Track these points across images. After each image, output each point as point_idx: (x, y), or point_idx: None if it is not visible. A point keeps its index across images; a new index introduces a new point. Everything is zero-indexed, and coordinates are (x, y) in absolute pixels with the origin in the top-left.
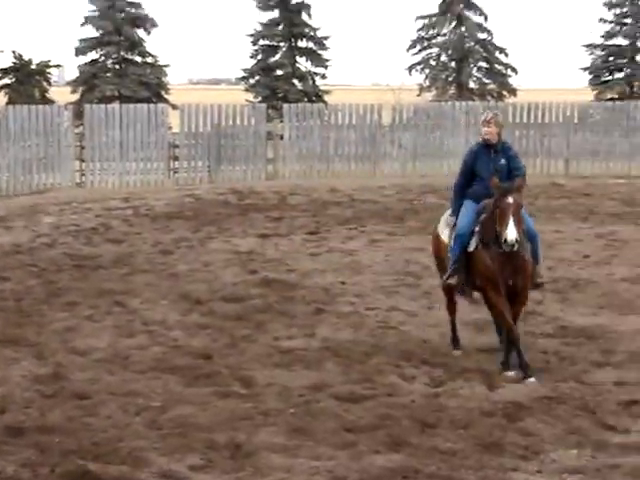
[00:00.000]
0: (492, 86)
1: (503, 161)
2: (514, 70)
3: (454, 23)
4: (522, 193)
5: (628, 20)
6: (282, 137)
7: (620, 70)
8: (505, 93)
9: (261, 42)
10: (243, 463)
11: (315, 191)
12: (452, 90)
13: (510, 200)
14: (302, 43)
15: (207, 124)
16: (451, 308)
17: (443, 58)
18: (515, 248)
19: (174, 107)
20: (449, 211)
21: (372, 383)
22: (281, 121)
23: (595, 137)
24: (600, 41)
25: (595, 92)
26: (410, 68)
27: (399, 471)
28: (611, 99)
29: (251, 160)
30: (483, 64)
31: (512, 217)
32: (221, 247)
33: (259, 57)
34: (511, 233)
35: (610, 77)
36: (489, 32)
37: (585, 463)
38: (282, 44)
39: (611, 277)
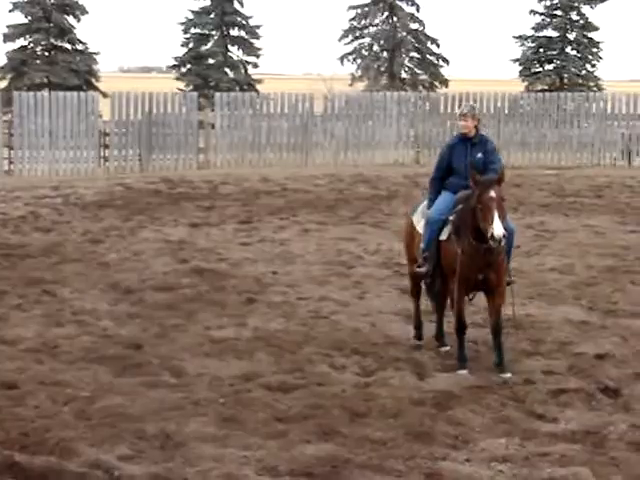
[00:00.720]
0: (424, 76)
1: (480, 155)
2: (446, 61)
3: (386, 13)
4: (502, 186)
5: (558, 12)
6: (213, 126)
7: (550, 62)
8: (437, 84)
9: (192, 30)
10: (173, 453)
11: (247, 180)
12: (384, 80)
13: (493, 194)
14: (234, 32)
15: (138, 112)
16: (416, 293)
17: (375, 48)
18: (502, 244)
19: (104, 95)
20: (425, 202)
21: (303, 373)
22: (212, 110)
23: (525, 128)
24: (530, 33)
25: (525, 83)
26: (342, 58)
27: (329, 460)
28: (541, 90)
29: (182, 149)
30: (415, 54)
31: (496, 212)
32: (152, 236)
33: (190, 45)
34: (498, 229)
35: (540, 68)
36: (421, 22)
37: (514, 452)
38: (214, 32)
39: (540, 267)
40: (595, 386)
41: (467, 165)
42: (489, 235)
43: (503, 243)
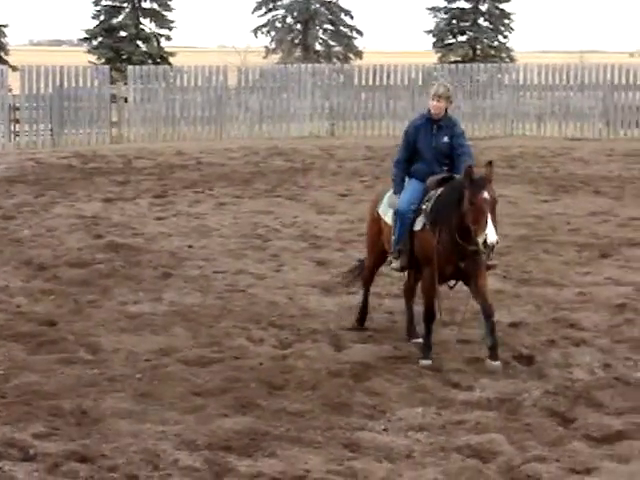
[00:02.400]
0: (338, 48)
1: (446, 139)
2: (359, 32)
3: None
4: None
5: None
6: (126, 100)
7: (463, 33)
8: (351, 55)
9: (103, 2)
10: (89, 430)
11: (161, 154)
12: (298, 52)
13: (486, 195)
14: (146, 4)
15: (49, 86)
16: (368, 282)
17: (289, 20)
18: (493, 251)
19: (14, 68)
20: (391, 191)
21: (220, 346)
22: (125, 83)
23: None
24: (443, 4)
25: (439, 55)
26: (256, 30)
27: (247, 433)
28: (454, 62)
29: (95, 123)
30: (329, 26)
31: (490, 216)
32: (65, 212)
33: (101, 18)
34: (492, 235)
35: (453, 40)
36: None
37: (430, 420)
38: (125, 5)
39: None
40: (509, 354)
41: (433, 149)
42: (481, 241)
43: (495, 250)
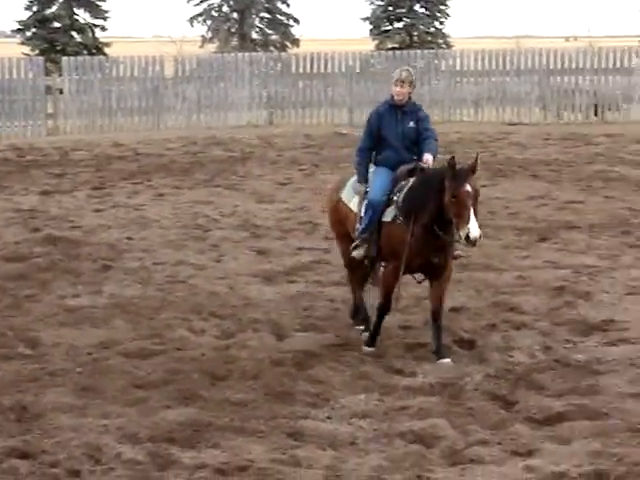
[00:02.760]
0: (275, 37)
1: (412, 124)
2: (296, 20)
3: None
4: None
5: None
6: (62, 91)
7: (400, 20)
8: (288, 44)
9: None
10: (30, 425)
11: (98, 146)
12: (235, 41)
13: (469, 188)
14: None
15: None
16: (356, 281)
17: (225, 9)
18: (476, 246)
19: None
20: (354, 177)
21: (161, 338)
22: (60, 75)
23: (377, 86)
24: None
25: (376, 42)
26: (192, 19)
27: (190, 424)
28: (392, 48)
29: (30, 116)
30: (265, 14)
31: (472, 209)
32: (1, 205)
33: (35, 9)
34: (474, 230)
35: (390, 27)
36: None
37: (373, 407)
38: None
39: None
40: (451, 338)
41: (400, 135)
42: (463, 235)
43: (478, 245)
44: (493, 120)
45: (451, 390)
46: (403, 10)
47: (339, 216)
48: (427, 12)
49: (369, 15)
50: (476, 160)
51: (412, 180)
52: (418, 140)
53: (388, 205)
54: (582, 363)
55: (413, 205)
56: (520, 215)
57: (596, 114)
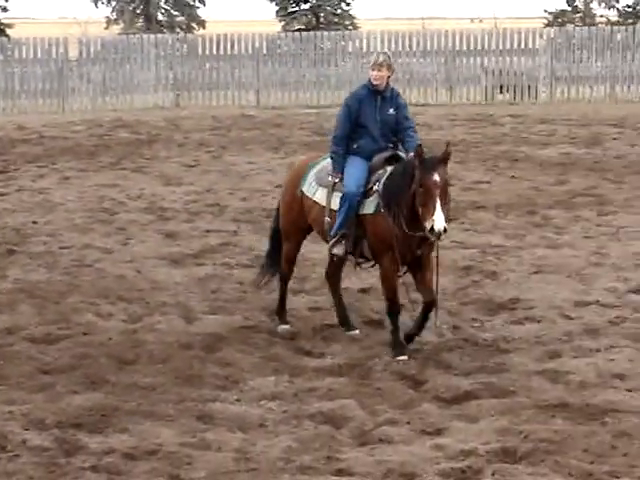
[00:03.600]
0: (181, 18)
1: (392, 111)
2: (202, 2)
3: None
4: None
5: None
6: None
7: (306, 1)
8: (194, 25)
9: None
10: None
11: (1, 129)
12: (140, 23)
13: (436, 178)
14: None
15: None
16: (335, 285)
17: None
18: (441, 238)
19: None
20: (319, 166)
21: (68, 323)
22: None
23: (284, 68)
24: None
25: (282, 23)
26: (96, 0)
27: (98, 409)
28: (298, 30)
29: None
30: None
31: (439, 200)
32: None
33: None
34: (439, 221)
35: (297, 8)
36: None
37: (283, 389)
38: None
39: None
40: (359, 320)
41: (379, 123)
42: (428, 227)
43: (443, 237)
44: None
45: (360, 371)
46: None
47: (300, 211)
48: None
49: None
50: (447, 149)
51: (389, 169)
52: (397, 129)
53: (366, 196)
54: (489, 342)
55: (391, 196)
56: None
57: (501, 94)
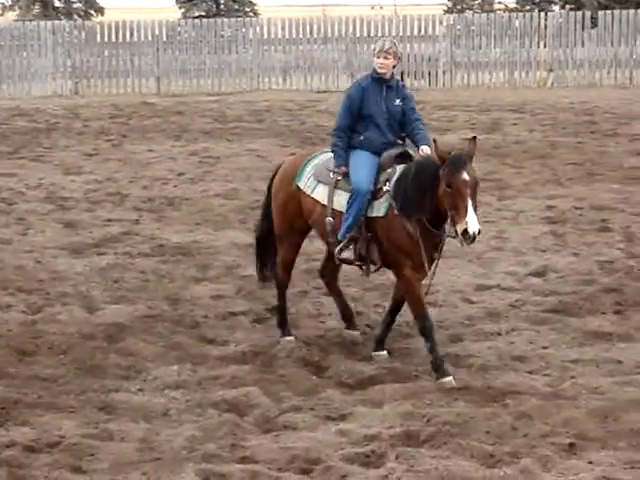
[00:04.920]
0: (78, 5)
1: (398, 102)
2: None
3: None
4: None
5: None
6: None
7: None
8: (92, 12)
9: None
10: None
11: None
12: (37, 9)
13: (466, 177)
14: None
15: None
16: (332, 284)
17: None
18: (475, 242)
19: None
20: (316, 160)
21: None
22: None
23: (184, 55)
24: None
25: (182, 10)
26: None
27: None
28: (198, 17)
29: None
30: None
31: (470, 201)
32: None
33: None
34: (473, 223)
35: None
36: None
37: (186, 378)
38: None
39: (205, 194)
40: (262, 307)
41: (386, 114)
42: (460, 230)
43: (478, 240)
44: (301, 88)
45: (263, 358)
46: None
47: (298, 209)
48: None
49: None
50: (474, 144)
51: (400, 168)
52: (404, 121)
53: (374, 197)
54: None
55: (406, 198)
56: None
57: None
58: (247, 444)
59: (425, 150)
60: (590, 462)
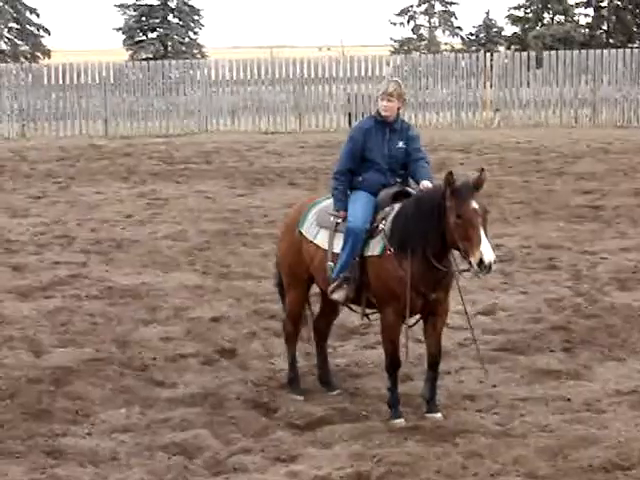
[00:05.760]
0: (25, 47)
1: (401, 144)
2: (47, 31)
3: None
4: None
5: None
6: None
7: (153, 30)
8: (39, 55)
9: None
10: None
11: None
12: None
13: (476, 206)
14: None
15: None
16: (293, 339)
17: None
18: (491, 272)
19: None
20: (320, 205)
21: None
22: None
23: (132, 97)
24: (132, 1)
25: (130, 52)
26: None
27: None
28: (146, 59)
29: None
30: (14, 25)
31: (482, 230)
32: None
33: None
34: (488, 253)
35: (144, 37)
36: None
37: (135, 421)
38: None
39: (154, 235)
40: (212, 349)
41: (387, 157)
42: (475, 262)
43: (494, 270)
44: (250, 129)
45: (213, 400)
46: (157, 20)
47: (300, 256)
48: (181, 22)
49: (122, 26)
50: (481, 175)
51: (398, 206)
52: (406, 162)
53: (371, 236)
54: (342, 367)
55: (406, 234)
56: (278, 223)
57: (349, 122)
58: None
59: (425, 185)
60: None
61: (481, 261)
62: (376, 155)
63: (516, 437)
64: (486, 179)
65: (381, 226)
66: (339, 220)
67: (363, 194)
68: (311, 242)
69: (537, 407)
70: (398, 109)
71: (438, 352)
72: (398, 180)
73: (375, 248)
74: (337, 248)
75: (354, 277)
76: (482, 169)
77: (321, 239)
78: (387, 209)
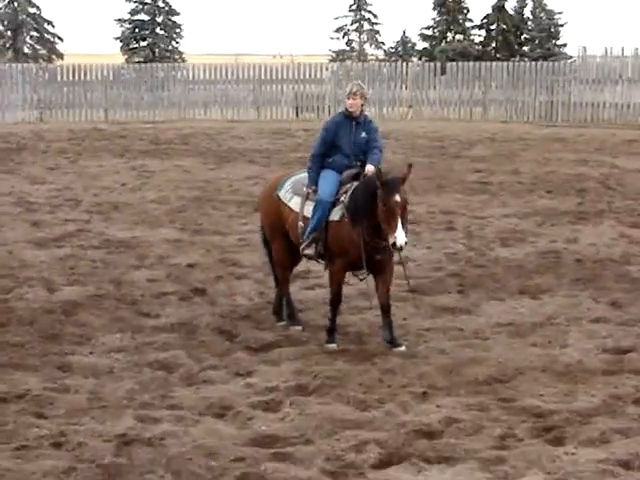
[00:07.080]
0: (43, 51)
1: (364, 134)
2: (60, 38)
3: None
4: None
5: (148, 0)
6: None
7: (144, 39)
8: (54, 57)
9: None
10: None
11: None
12: (9, 55)
13: (398, 199)
14: None
15: None
16: (286, 281)
17: (0, 28)
18: (402, 252)
19: None
20: (295, 177)
21: None
22: None
23: (127, 92)
24: (128, 17)
25: (126, 56)
26: None
27: None
28: (138, 62)
29: None
30: (34, 33)
31: (400, 219)
32: None
33: None
34: (401, 237)
35: (137, 45)
36: (38, 7)
37: (127, 343)
38: None
39: (143, 200)
40: (187, 288)
41: (352, 144)
42: (391, 242)
43: (404, 251)
44: (219, 118)
45: (187, 328)
46: (147, 32)
47: (278, 215)
48: (166, 34)
49: (120, 35)
50: (409, 171)
51: (355, 184)
52: (367, 148)
53: (334, 205)
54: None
55: (356, 208)
56: (240, 192)
57: (297, 114)
58: (174, 395)
59: (368, 168)
60: (438, 406)
61: (394, 244)
62: (343, 143)
63: (421, 358)
64: (410, 174)
65: (342, 198)
66: (310, 191)
67: (331, 172)
68: (286, 205)
69: (437, 335)
70: (362, 105)
71: (386, 303)
72: (359, 163)
73: (336, 215)
74: (307, 212)
75: (322, 237)
76: (410, 165)
77: (294, 203)
78: (348, 185)
